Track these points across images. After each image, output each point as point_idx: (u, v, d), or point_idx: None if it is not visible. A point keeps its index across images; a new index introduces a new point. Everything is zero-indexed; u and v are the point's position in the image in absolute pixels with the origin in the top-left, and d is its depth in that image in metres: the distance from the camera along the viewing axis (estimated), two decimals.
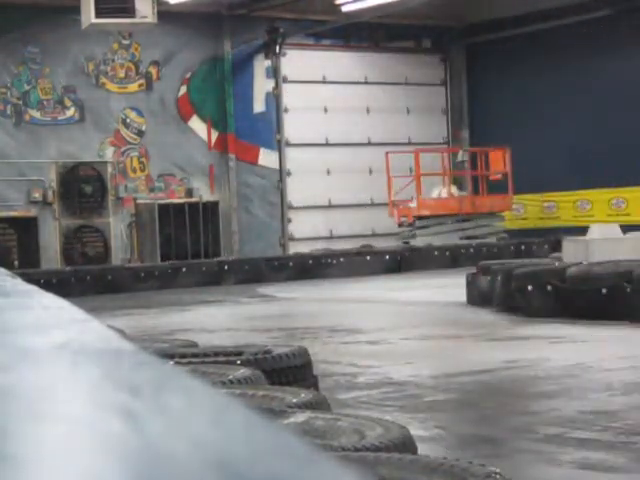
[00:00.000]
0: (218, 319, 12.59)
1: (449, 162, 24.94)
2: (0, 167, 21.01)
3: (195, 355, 5.75)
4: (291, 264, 20.11)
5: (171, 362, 4.89)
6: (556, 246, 18.19)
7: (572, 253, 12.16)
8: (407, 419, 5.86)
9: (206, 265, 19.59)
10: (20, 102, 21.59)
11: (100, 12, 16.42)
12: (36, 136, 21.54)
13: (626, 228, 13.99)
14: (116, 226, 21.27)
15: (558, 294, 10.91)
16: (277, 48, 24.26)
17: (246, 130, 23.79)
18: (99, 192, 21.24)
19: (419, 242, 22.14)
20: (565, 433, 5.54)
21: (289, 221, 24.38)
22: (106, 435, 0.75)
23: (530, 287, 11.14)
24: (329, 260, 20.32)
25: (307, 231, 24.29)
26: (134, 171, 22.57)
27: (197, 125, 23.38)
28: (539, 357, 8.20)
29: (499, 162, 24.30)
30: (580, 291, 10.67)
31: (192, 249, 21.44)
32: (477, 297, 12.69)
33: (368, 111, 25.44)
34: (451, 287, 15.00)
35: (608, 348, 8.62)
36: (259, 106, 24.26)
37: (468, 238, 22.88)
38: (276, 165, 24.24)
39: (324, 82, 24.88)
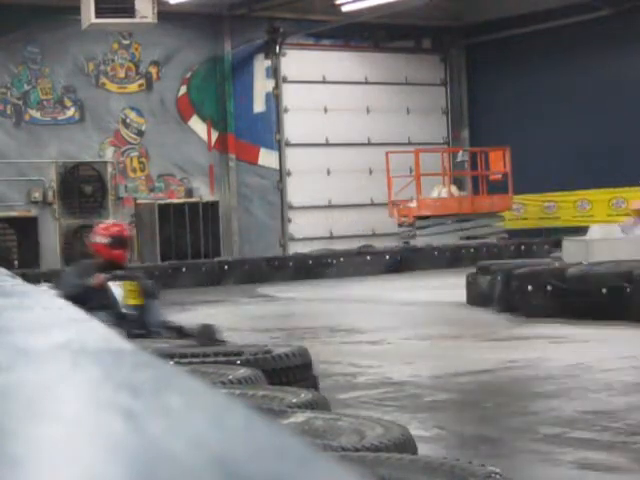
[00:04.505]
0: (218, 319, 12.57)
1: (449, 162, 24.93)
2: (0, 167, 21.00)
3: (195, 355, 5.74)
4: (291, 264, 20.11)
5: (171, 362, 4.89)
6: (556, 246, 18.18)
7: (572, 253, 12.16)
8: (407, 419, 5.86)
9: (206, 265, 19.58)
10: (20, 102, 21.58)
11: (100, 12, 16.41)
12: (36, 136, 21.52)
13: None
14: None
15: (558, 294, 10.91)
16: (277, 48, 24.25)
17: (246, 130, 23.78)
18: (99, 192, 21.26)
19: (419, 242, 22.14)
20: (565, 433, 5.54)
21: (289, 221, 24.37)
22: (106, 435, 0.75)
23: (530, 287, 11.13)
24: (329, 260, 20.31)
25: (307, 231, 24.28)
26: (134, 171, 22.56)
27: (197, 125, 23.37)
28: (539, 357, 8.20)
29: (499, 162, 24.28)
30: (580, 291, 10.66)
31: (192, 249, 21.43)
32: (477, 297, 12.68)
33: (368, 111, 25.43)
34: (451, 287, 14.99)
35: (608, 348, 8.61)
36: (259, 106, 24.25)
37: (468, 238, 22.87)
38: (276, 165, 24.23)
39: (324, 82, 24.86)
